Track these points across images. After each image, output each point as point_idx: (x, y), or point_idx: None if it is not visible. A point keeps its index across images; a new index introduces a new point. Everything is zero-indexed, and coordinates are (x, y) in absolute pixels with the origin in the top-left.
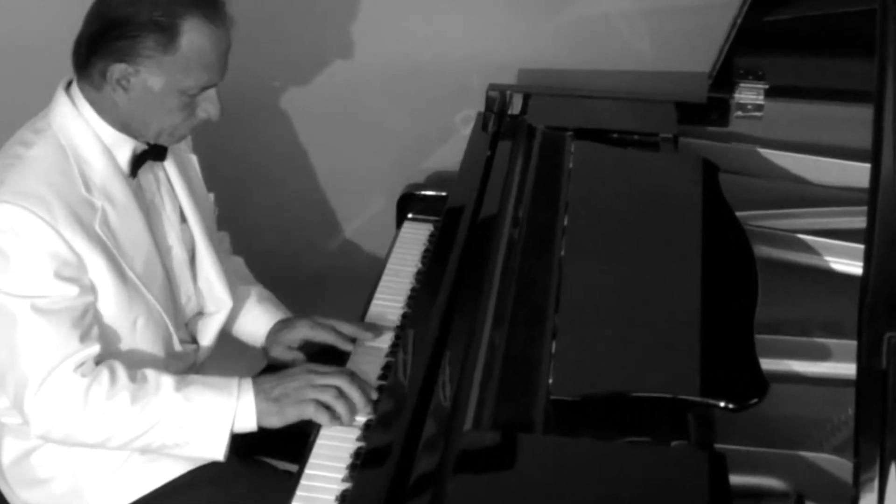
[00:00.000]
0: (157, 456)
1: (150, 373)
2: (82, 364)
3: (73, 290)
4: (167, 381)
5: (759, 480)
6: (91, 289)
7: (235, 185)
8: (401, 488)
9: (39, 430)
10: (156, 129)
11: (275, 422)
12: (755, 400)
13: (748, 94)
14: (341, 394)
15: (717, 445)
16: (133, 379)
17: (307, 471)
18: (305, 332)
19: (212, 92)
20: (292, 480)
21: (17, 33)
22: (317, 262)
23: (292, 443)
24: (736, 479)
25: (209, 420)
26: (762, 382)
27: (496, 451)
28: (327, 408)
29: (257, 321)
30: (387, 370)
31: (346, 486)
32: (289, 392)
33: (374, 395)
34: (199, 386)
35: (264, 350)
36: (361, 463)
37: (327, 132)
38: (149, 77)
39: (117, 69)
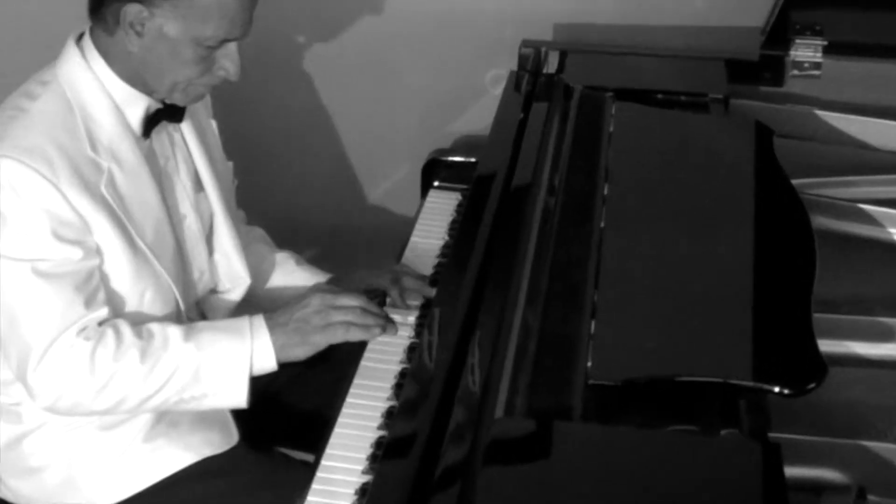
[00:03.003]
0: (160, 445)
1: (156, 327)
2: (85, 328)
3: (77, 252)
4: (175, 332)
5: (817, 472)
6: (96, 252)
7: (251, 148)
8: (426, 481)
9: (46, 402)
10: (169, 82)
11: (300, 353)
12: (813, 385)
13: (805, 51)
14: (364, 311)
15: (772, 435)
16: (139, 336)
17: (324, 462)
18: (365, 277)
19: (232, 47)
20: (308, 472)
21: None
22: (336, 235)
23: (308, 430)
24: (792, 471)
25: (225, 367)
26: (820, 366)
27: (530, 441)
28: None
29: (302, 286)
30: (410, 353)
31: (367, 478)
32: (309, 318)
33: (395, 330)
34: (209, 332)
35: None
36: (383, 453)
37: (346, 92)
38: (164, 22)
39: (131, 10)
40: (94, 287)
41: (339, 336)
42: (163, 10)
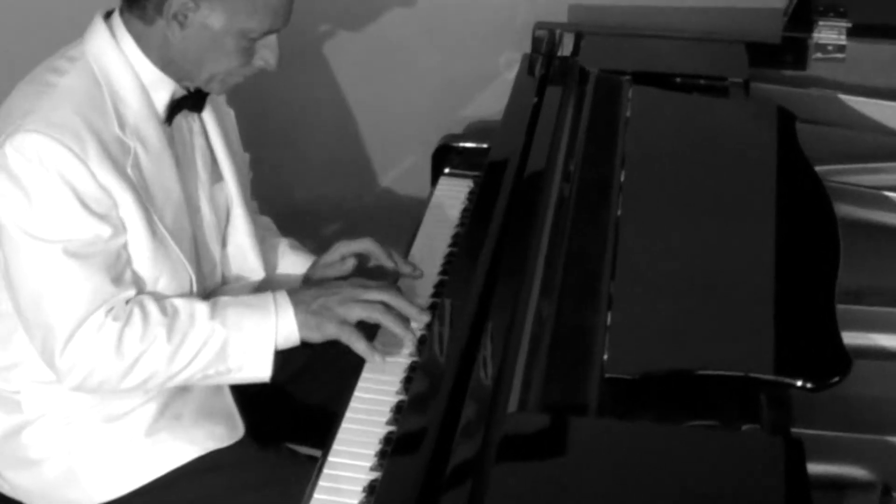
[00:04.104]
0: (163, 438)
1: (181, 302)
2: (113, 308)
3: (106, 229)
4: (201, 309)
5: (841, 469)
6: (123, 228)
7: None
8: (436, 478)
9: (73, 383)
10: (208, 73)
11: (315, 336)
12: (836, 378)
13: (828, 34)
14: (388, 308)
15: (794, 430)
16: (165, 312)
17: (331, 458)
18: (342, 247)
19: (273, 38)
20: (314, 468)
21: None
22: (344, 223)
23: (315, 425)
24: (815, 468)
25: (251, 343)
26: (844, 359)
27: (544, 437)
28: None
29: (292, 268)
30: (421, 345)
31: (375, 475)
32: (332, 305)
33: (426, 318)
34: (235, 308)
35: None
36: (392, 449)
37: (354, 76)
38: (210, 13)
39: (176, 1)
40: (123, 266)
41: (347, 338)
42: (210, 2)
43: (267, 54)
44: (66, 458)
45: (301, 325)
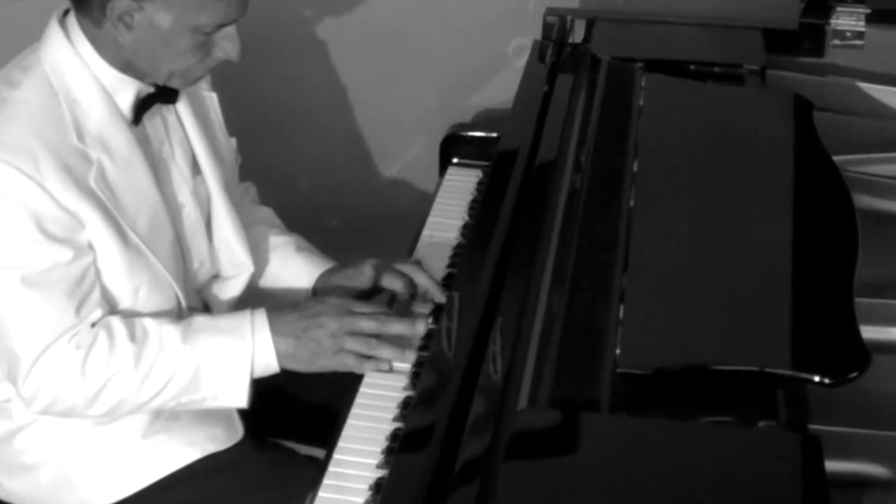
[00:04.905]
0: (160, 440)
1: (151, 326)
2: (77, 334)
3: (66, 253)
4: (171, 333)
5: (860, 467)
6: (89, 248)
7: (260, 125)
8: (444, 476)
9: (38, 409)
10: (166, 71)
11: (303, 369)
12: (855, 373)
13: (847, 20)
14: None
15: (811, 426)
16: (133, 337)
17: (336, 456)
18: (389, 275)
19: (231, 29)
20: (318, 467)
21: None
22: (349, 214)
23: (317, 423)
24: (833, 466)
25: (225, 369)
26: (863, 353)
27: (555, 434)
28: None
29: (300, 274)
30: (428, 339)
31: (382, 473)
32: (321, 340)
33: (423, 330)
34: (208, 332)
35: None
36: (399, 446)
37: (359, 63)
38: (155, 13)
39: (118, 5)
40: (87, 289)
41: (348, 366)
42: (153, 2)
43: (227, 46)
44: (61, 463)
45: (288, 358)
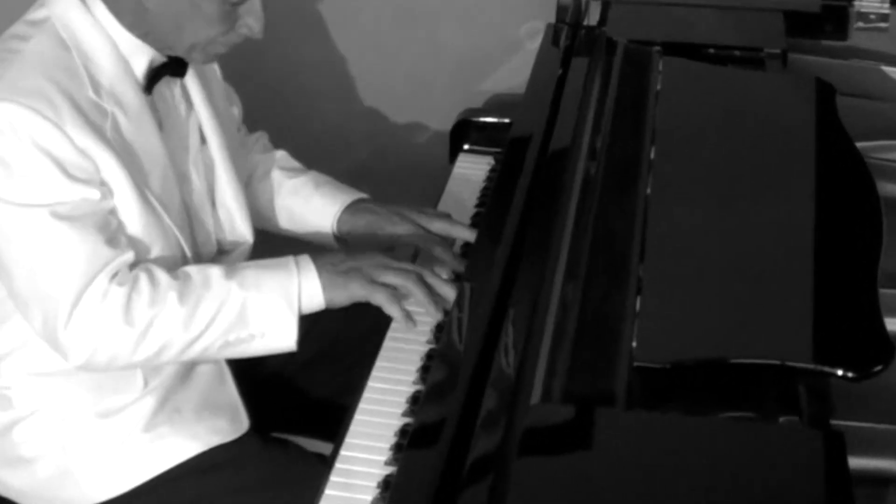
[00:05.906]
0: (163, 433)
1: (192, 268)
2: (116, 273)
3: (94, 192)
4: (215, 271)
5: (885, 463)
6: (110, 192)
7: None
8: (455, 473)
9: (80, 359)
10: (188, 41)
11: (340, 297)
12: (879, 367)
13: (871, 1)
14: (421, 280)
15: (834, 422)
16: (175, 276)
17: (344, 452)
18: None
19: (256, 4)
20: (325, 464)
21: None
22: None
23: (324, 419)
24: (856, 462)
25: (273, 304)
26: (888, 346)
27: (569, 429)
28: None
29: (324, 209)
30: (438, 331)
31: (390, 469)
32: (362, 267)
33: (453, 295)
34: (253, 269)
35: (339, 241)
36: (408, 443)
37: (367, 46)
38: None
39: None
40: (115, 228)
41: (378, 299)
42: None
43: (251, 21)
44: (60, 456)
45: (326, 286)
